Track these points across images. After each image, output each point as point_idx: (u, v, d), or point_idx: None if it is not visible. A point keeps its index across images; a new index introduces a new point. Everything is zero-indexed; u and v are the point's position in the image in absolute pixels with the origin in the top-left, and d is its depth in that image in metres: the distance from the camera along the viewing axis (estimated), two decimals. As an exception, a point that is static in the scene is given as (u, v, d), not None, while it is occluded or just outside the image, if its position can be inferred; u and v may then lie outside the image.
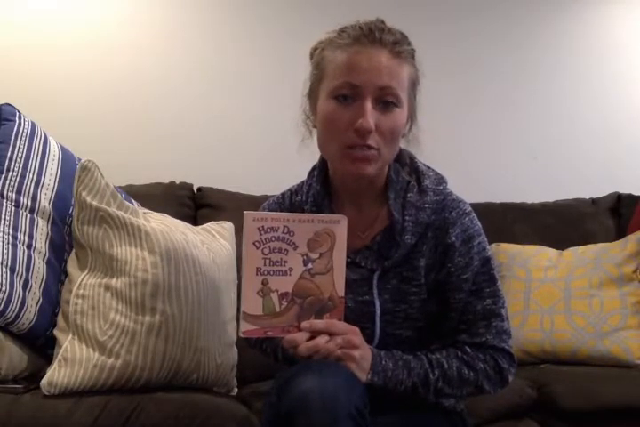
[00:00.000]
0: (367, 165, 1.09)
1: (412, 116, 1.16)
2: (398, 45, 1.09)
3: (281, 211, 1.24)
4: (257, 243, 1.01)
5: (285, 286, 1.03)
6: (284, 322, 1.03)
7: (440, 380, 1.10)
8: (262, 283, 1.02)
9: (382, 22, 1.11)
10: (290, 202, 1.25)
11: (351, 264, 1.15)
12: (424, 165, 1.23)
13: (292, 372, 0.97)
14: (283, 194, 1.27)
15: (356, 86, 1.07)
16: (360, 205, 1.20)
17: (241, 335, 1.02)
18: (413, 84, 1.13)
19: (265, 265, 1.02)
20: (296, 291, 1.04)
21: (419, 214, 1.14)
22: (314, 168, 1.24)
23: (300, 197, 1.22)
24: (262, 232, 1.02)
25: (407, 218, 1.14)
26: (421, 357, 1.12)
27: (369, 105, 1.06)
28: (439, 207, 1.15)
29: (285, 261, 1.03)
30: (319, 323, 1.04)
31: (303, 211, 1.20)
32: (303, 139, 1.21)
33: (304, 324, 1.03)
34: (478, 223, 1.18)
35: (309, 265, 1.05)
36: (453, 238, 1.14)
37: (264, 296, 1.02)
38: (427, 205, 1.15)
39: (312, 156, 1.22)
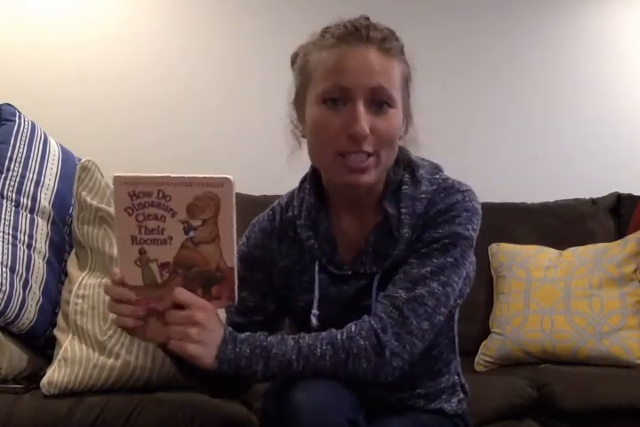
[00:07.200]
0: (364, 174, 1.01)
1: (407, 117, 1.08)
2: (387, 41, 1.01)
3: (271, 229, 1.14)
4: (129, 209, 0.90)
5: (165, 255, 0.92)
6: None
7: (306, 370, 0.95)
8: (139, 252, 0.91)
9: (367, 19, 1.04)
10: (281, 218, 1.15)
11: (352, 277, 1.08)
12: (418, 157, 1.13)
13: (283, 383, 0.95)
14: (272, 209, 1.17)
15: (346, 88, 0.99)
16: (360, 214, 1.10)
17: None
18: (406, 81, 1.05)
19: (140, 233, 0.91)
20: (178, 261, 0.92)
21: (415, 206, 1.05)
22: (304, 179, 1.15)
23: (291, 213, 1.13)
24: (134, 197, 0.90)
25: (404, 211, 1.05)
26: (288, 342, 0.96)
27: (361, 108, 0.98)
28: (435, 196, 1.06)
29: (163, 229, 0.91)
30: (176, 292, 0.92)
31: (296, 227, 1.11)
32: (292, 151, 1.12)
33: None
34: (472, 203, 1.06)
35: (191, 233, 0.92)
36: (432, 212, 1.05)
37: (143, 266, 0.92)
38: (423, 196, 1.06)
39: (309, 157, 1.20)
